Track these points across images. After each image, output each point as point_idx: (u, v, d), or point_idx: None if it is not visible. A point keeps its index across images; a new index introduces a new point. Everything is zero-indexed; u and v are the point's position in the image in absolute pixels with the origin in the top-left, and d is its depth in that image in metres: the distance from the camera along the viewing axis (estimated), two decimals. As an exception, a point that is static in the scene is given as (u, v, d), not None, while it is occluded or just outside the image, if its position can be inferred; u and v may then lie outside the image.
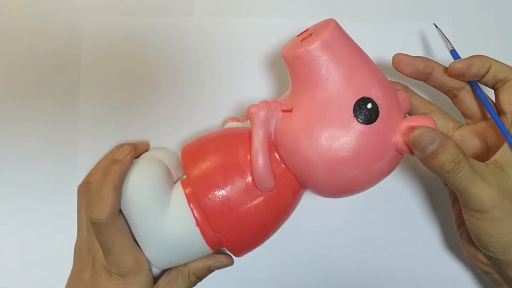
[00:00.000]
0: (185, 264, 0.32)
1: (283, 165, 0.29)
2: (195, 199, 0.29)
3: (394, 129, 0.27)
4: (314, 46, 0.26)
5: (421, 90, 0.36)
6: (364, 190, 0.28)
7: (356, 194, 0.29)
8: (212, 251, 0.31)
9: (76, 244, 0.34)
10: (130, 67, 0.38)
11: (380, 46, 0.34)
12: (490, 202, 0.27)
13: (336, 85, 0.27)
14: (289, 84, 0.30)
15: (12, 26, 0.38)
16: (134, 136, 0.37)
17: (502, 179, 0.28)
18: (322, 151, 0.26)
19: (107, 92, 0.38)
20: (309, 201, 0.34)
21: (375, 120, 0.26)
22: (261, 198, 0.28)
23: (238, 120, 0.35)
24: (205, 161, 0.29)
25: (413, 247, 0.37)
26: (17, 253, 0.36)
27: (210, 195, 0.28)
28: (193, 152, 0.30)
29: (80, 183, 0.35)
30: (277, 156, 0.29)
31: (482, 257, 0.30)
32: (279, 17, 0.38)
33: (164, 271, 0.33)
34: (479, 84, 0.32)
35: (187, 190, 0.30)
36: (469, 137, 0.33)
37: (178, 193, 0.30)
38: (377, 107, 0.26)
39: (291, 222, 0.31)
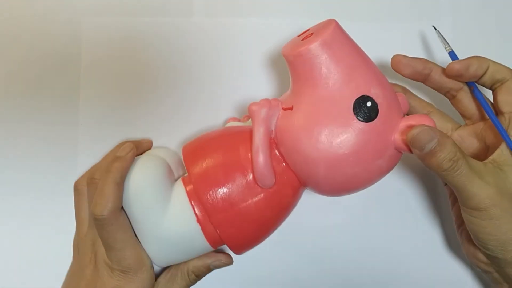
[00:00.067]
0: (184, 262, 0.32)
1: (283, 163, 0.29)
2: (196, 196, 0.29)
3: (393, 128, 0.27)
4: (315, 45, 0.27)
5: (419, 92, 0.36)
6: (363, 188, 0.29)
7: (355, 192, 0.29)
8: (213, 249, 0.31)
9: (74, 239, 0.34)
10: (130, 67, 0.38)
11: (380, 46, 0.34)
12: (488, 200, 0.27)
13: (336, 84, 0.27)
14: (289, 84, 0.30)
15: (12, 26, 0.38)
16: (134, 136, 0.37)
17: (500, 178, 0.28)
18: (322, 148, 0.26)
19: (107, 92, 0.38)
20: (309, 199, 0.34)
21: (374, 118, 0.26)
22: (262, 195, 0.29)
23: (239, 121, 0.35)
24: (206, 158, 0.29)
25: (413, 245, 0.37)
26: (17, 253, 0.36)
27: (211, 192, 0.28)
28: (194, 150, 0.31)
29: (76, 179, 0.35)
30: (278, 154, 0.29)
31: (481, 256, 0.30)
32: (279, 17, 0.39)
33: (164, 269, 0.33)
34: (477, 85, 0.32)
35: (188, 188, 0.30)
36: (467, 138, 0.33)
37: (179, 191, 0.30)
38: (377, 106, 0.27)
39: (291, 220, 0.31)
